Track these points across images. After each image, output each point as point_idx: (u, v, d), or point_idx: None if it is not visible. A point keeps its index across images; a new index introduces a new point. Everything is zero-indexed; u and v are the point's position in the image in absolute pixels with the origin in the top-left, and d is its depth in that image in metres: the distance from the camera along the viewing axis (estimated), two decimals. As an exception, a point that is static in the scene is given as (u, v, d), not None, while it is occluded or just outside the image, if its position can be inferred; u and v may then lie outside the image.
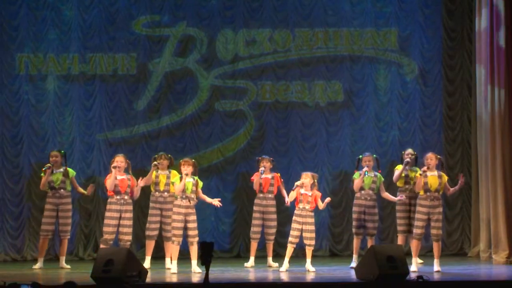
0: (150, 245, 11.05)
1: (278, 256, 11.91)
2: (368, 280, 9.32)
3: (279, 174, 11.54)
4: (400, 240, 11.43)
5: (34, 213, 12.28)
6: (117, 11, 12.83)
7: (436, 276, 10.07)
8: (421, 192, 10.70)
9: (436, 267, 10.55)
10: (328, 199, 10.81)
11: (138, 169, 12.03)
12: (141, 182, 10.85)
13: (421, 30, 13.08)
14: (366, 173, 11.18)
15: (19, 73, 12.64)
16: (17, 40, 12.63)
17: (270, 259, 11.37)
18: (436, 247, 10.68)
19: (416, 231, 10.74)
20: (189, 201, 10.49)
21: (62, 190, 11.32)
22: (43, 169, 11.29)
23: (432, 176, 10.67)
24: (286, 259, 10.74)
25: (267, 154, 12.28)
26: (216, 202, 10.71)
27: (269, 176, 11.40)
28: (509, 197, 11.53)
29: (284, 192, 11.39)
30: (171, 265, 10.56)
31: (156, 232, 11.07)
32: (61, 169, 11.36)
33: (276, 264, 11.22)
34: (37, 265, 11.17)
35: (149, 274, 9.55)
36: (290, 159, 12.87)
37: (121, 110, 12.75)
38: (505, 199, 11.50)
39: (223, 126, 12.88)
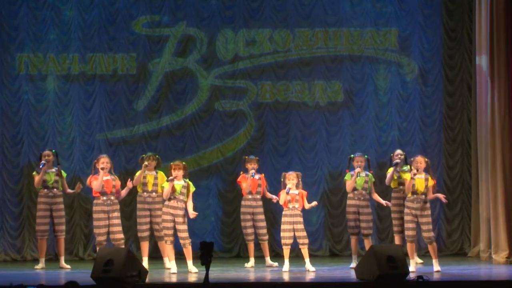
0: (145, 246, 11.04)
1: (278, 256, 11.92)
2: (368, 280, 9.32)
3: (263, 175, 11.56)
4: (397, 240, 11.45)
5: (34, 213, 12.24)
6: (117, 11, 12.82)
7: (436, 276, 10.06)
8: (409, 194, 10.68)
9: (436, 267, 10.53)
10: (314, 203, 10.83)
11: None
12: (130, 184, 10.84)
13: (421, 30, 13.07)
14: (358, 174, 11.19)
15: (19, 73, 12.64)
16: (17, 40, 12.63)
17: (268, 259, 11.37)
18: (431, 248, 10.64)
19: (407, 233, 10.71)
20: (176, 202, 10.47)
21: (55, 189, 11.36)
22: (40, 166, 11.28)
23: (419, 179, 10.64)
24: (286, 260, 10.74)
25: (267, 154, 12.30)
26: (193, 215, 10.53)
27: (257, 177, 11.41)
28: (509, 197, 11.52)
29: (268, 194, 11.43)
30: (170, 265, 10.56)
31: (147, 233, 11.05)
32: (54, 169, 11.39)
33: (276, 264, 11.22)
34: (39, 265, 11.21)
35: (148, 274, 9.55)
36: (290, 159, 12.86)
37: (121, 110, 12.75)
38: (505, 199, 11.48)
39: (223, 126, 12.87)
